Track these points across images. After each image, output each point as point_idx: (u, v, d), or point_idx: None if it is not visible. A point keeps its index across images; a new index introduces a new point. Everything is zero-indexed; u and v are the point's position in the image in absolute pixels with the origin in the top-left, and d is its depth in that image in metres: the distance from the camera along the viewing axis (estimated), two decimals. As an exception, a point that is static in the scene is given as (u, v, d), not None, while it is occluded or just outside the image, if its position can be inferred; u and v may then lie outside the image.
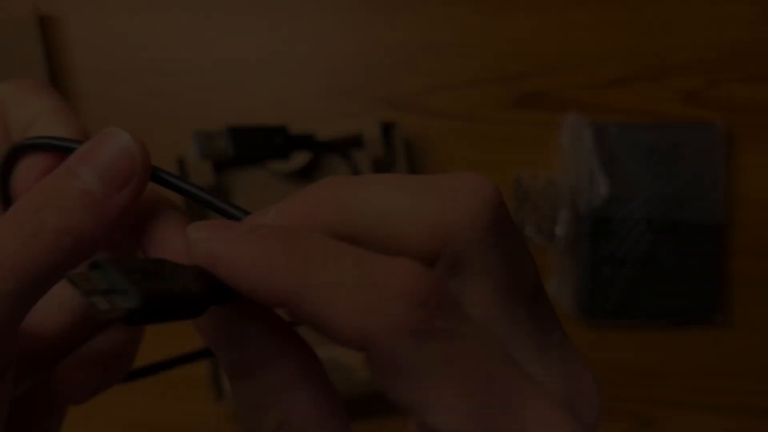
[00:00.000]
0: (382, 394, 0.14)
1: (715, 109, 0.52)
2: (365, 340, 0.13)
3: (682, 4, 0.53)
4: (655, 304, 0.51)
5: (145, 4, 0.53)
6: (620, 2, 0.53)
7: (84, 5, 0.53)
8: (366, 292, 0.13)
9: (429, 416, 0.13)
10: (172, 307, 0.14)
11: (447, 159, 0.53)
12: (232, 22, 0.53)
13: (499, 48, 0.53)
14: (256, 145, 0.42)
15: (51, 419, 0.22)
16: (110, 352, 0.20)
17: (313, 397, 0.15)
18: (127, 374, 0.20)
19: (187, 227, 0.15)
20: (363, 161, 0.50)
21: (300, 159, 0.48)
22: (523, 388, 0.14)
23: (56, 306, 0.20)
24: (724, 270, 0.52)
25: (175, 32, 0.53)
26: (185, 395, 0.53)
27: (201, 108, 0.53)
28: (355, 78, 0.53)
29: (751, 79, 0.52)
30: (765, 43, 0.52)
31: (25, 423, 0.20)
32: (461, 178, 0.14)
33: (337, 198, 0.15)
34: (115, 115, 0.53)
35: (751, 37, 0.52)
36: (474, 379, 0.13)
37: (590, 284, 0.51)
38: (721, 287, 0.52)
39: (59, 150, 0.18)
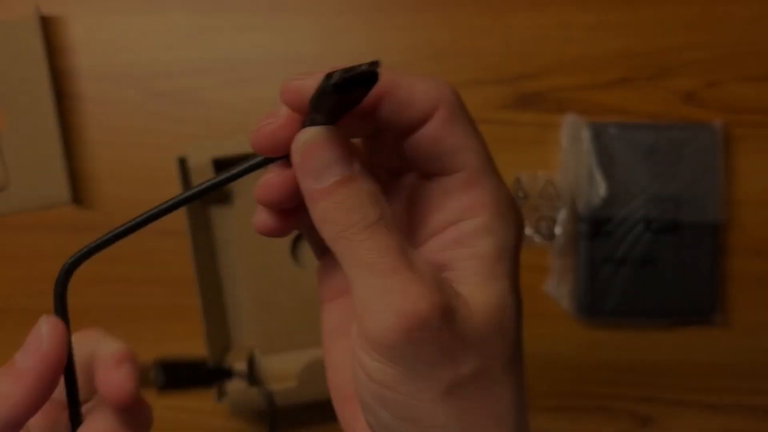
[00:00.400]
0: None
1: (713, 110, 0.53)
2: (439, 104, 0.21)
3: (681, 4, 0.53)
4: (654, 304, 0.51)
5: (147, 4, 0.53)
6: (619, 3, 0.53)
7: (85, 6, 0.53)
8: (436, 83, 0.21)
9: (466, 155, 0.21)
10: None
11: (447, 159, 0.53)
12: (233, 23, 0.53)
13: (499, 48, 0.53)
14: (182, 377, 0.49)
15: None
16: None
17: (390, 210, 0.22)
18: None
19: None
20: (363, 161, 0.51)
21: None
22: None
23: None
24: (722, 270, 0.53)
25: (176, 33, 0.53)
26: (186, 395, 0.53)
27: (202, 109, 0.53)
28: (356, 78, 0.53)
29: (750, 79, 0.53)
30: (763, 44, 0.53)
31: None
32: (435, 79, 0.22)
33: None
34: (116, 115, 0.53)
35: (749, 37, 0.53)
36: (484, 142, 0.22)
37: (589, 284, 0.51)
38: (720, 287, 0.52)
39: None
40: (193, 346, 0.53)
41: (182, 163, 0.49)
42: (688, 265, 0.51)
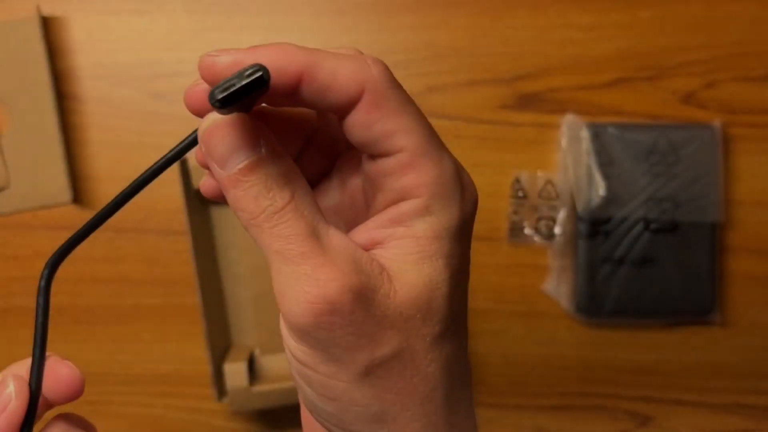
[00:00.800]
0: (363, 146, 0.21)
1: (712, 110, 0.53)
2: (364, 86, 0.20)
3: (680, 5, 0.53)
4: (653, 304, 0.51)
5: (147, 5, 0.53)
6: (618, 4, 0.53)
7: (86, 6, 0.53)
8: (359, 61, 0.21)
9: (401, 138, 0.21)
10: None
11: (446, 159, 0.53)
12: (233, 23, 0.53)
13: (499, 49, 0.53)
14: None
15: None
16: None
17: (307, 188, 0.21)
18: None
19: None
20: (363, 161, 0.51)
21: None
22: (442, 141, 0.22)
23: None
24: (720, 270, 0.53)
25: (176, 33, 0.53)
26: (186, 395, 0.54)
27: (202, 108, 0.53)
28: (355, 79, 0.53)
29: (748, 79, 0.53)
30: (762, 44, 0.53)
31: None
32: (359, 58, 0.21)
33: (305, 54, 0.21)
34: (116, 115, 0.53)
35: (748, 38, 0.53)
36: (423, 118, 0.22)
37: (588, 284, 0.51)
38: (718, 287, 0.52)
39: None
40: (193, 345, 0.53)
41: (182, 163, 0.49)
42: (687, 264, 0.51)
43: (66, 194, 0.51)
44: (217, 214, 0.52)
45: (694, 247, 0.51)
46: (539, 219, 0.53)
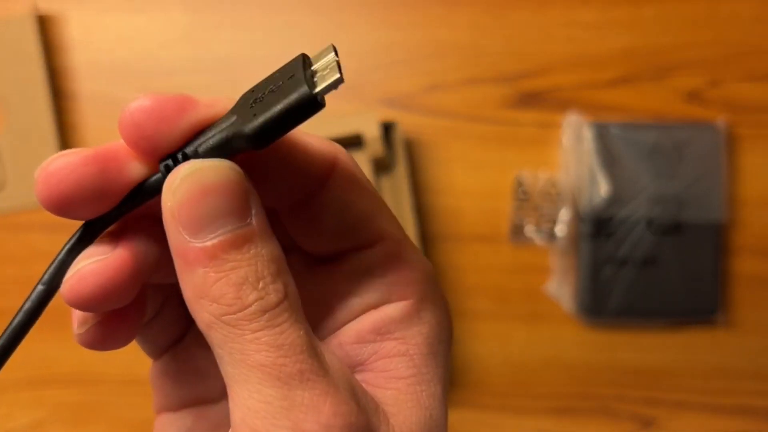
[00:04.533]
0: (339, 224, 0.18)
1: (716, 109, 0.52)
2: (336, 157, 0.17)
3: (685, 3, 0.53)
4: (656, 305, 0.51)
5: (144, 2, 0.53)
6: (622, 1, 0.52)
7: (82, 4, 0.53)
8: (325, 139, 0.18)
9: (383, 222, 0.17)
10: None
11: (447, 159, 0.53)
12: (231, 21, 0.53)
13: (500, 47, 0.52)
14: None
15: None
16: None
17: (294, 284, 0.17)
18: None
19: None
20: (363, 161, 0.50)
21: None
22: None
23: None
24: (725, 270, 0.52)
25: (173, 31, 0.53)
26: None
27: (200, 107, 0.53)
28: (356, 78, 0.53)
29: (753, 78, 0.52)
30: (766, 43, 0.52)
31: None
32: (333, 144, 0.18)
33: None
34: (113, 114, 0.53)
35: (753, 36, 0.52)
36: (378, 197, 0.18)
37: (591, 284, 0.51)
38: (722, 287, 0.52)
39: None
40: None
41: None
42: (691, 265, 0.51)
43: (62, 194, 0.51)
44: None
45: (698, 247, 0.51)
46: (541, 219, 0.52)
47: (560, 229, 0.52)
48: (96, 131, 0.53)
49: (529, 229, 0.53)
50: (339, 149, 0.17)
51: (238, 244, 0.15)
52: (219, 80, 0.53)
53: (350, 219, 0.17)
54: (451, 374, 0.19)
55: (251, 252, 0.15)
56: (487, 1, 0.52)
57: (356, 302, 0.17)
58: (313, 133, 0.18)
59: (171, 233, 0.15)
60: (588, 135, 0.51)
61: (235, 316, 0.15)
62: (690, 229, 0.51)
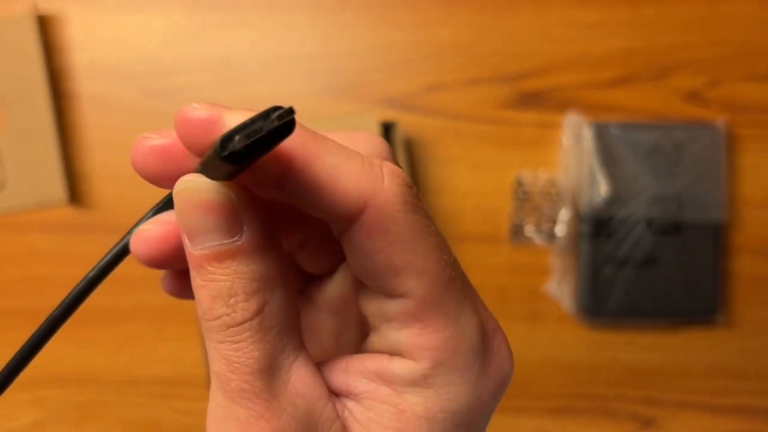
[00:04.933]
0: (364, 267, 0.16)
1: (716, 109, 0.52)
2: (368, 201, 0.15)
3: (684, 3, 0.53)
4: (656, 304, 0.51)
5: (144, 3, 0.53)
6: (622, 1, 0.52)
7: (82, 4, 0.53)
8: (370, 168, 0.16)
9: (409, 279, 0.16)
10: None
11: (447, 158, 0.53)
12: (231, 21, 0.53)
13: (500, 47, 0.53)
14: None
15: None
16: None
17: (288, 295, 0.17)
18: None
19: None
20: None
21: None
22: (471, 287, 0.17)
23: None
24: (724, 270, 0.52)
25: (174, 31, 0.53)
26: (184, 396, 0.53)
27: (200, 107, 0.53)
28: (355, 78, 0.53)
29: (753, 78, 0.52)
30: (766, 43, 0.52)
31: None
32: (369, 161, 0.16)
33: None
34: (113, 114, 0.53)
35: (753, 36, 0.52)
36: (444, 256, 0.16)
37: (591, 284, 0.51)
38: (722, 287, 0.52)
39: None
40: (192, 346, 0.53)
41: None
42: (691, 265, 0.51)
43: (62, 193, 0.51)
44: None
45: (697, 247, 0.51)
46: (541, 219, 0.53)
47: (560, 229, 0.52)
48: (96, 131, 0.53)
49: (529, 229, 0.53)
50: (378, 189, 0.15)
51: (220, 258, 0.16)
52: (219, 80, 0.53)
53: (371, 267, 0.16)
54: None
55: (231, 268, 0.16)
56: (487, 1, 0.53)
57: (373, 340, 0.17)
58: (361, 157, 0.16)
59: (182, 236, 0.16)
60: (588, 135, 0.51)
61: (206, 323, 0.16)
62: (690, 229, 0.51)
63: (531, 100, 0.52)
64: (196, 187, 0.16)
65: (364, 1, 0.53)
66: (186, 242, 0.16)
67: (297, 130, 0.15)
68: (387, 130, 0.50)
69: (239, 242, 0.16)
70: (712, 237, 0.51)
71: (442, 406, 0.16)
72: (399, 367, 0.16)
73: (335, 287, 0.20)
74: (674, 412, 0.53)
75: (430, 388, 0.16)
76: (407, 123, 0.52)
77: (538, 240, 0.53)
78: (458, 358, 0.16)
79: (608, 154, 0.51)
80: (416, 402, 0.16)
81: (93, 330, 0.53)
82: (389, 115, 0.52)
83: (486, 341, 0.17)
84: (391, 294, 0.16)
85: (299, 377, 0.16)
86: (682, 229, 0.51)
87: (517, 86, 0.52)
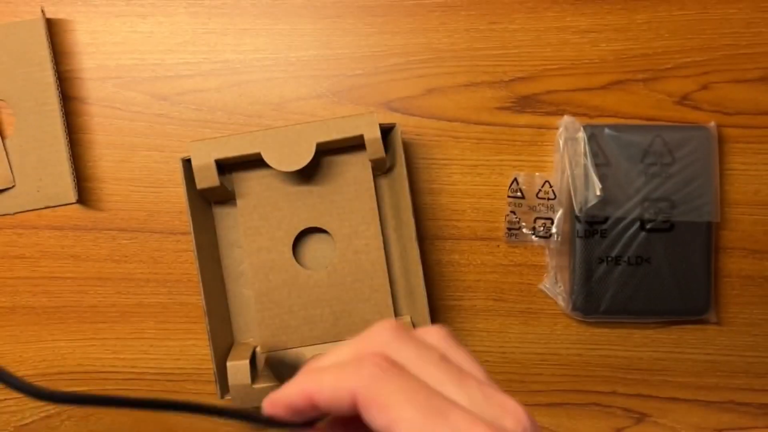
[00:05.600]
0: None
1: (707, 112, 0.53)
2: (356, 391, 0.22)
3: (675, 8, 0.53)
4: (649, 303, 0.52)
5: (151, 8, 0.54)
6: (614, 7, 0.53)
7: (90, 9, 0.54)
8: (351, 371, 0.22)
9: (396, 428, 0.21)
10: None
11: (445, 160, 0.53)
12: (234, 25, 0.54)
13: (496, 51, 0.53)
14: None
15: None
16: None
17: None
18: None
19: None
20: (363, 163, 0.51)
21: (302, 159, 0.48)
22: (451, 406, 0.21)
23: None
24: (715, 269, 0.53)
25: (180, 36, 0.54)
26: (188, 392, 0.54)
27: (205, 110, 0.53)
28: (355, 80, 0.53)
29: (743, 81, 0.53)
30: (756, 46, 0.53)
31: None
32: (351, 366, 0.23)
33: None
34: (120, 117, 0.54)
35: (743, 40, 0.53)
36: (419, 401, 0.21)
37: (585, 283, 0.52)
38: (713, 286, 0.52)
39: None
40: (196, 343, 0.54)
41: (186, 163, 0.49)
42: (683, 264, 0.52)
43: (70, 195, 0.52)
44: (220, 214, 0.53)
45: (689, 246, 0.52)
46: (537, 219, 0.53)
47: (555, 229, 0.53)
48: (104, 133, 0.54)
49: (525, 229, 0.53)
50: (358, 381, 0.22)
51: None
52: (224, 84, 0.54)
53: (377, 430, 0.21)
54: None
55: None
56: (484, 7, 0.53)
57: None
58: (347, 363, 0.23)
59: None
60: (582, 137, 0.51)
61: None
62: (681, 228, 0.51)
63: (527, 103, 0.53)
64: None
65: (365, 8, 0.53)
66: None
67: (304, 382, 0.23)
68: (387, 132, 0.50)
69: None
70: (704, 237, 0.52)
71: None
72: None
73: None
74: (666, 408, 0.54)
75: None
76: (406, 125, 0.53)
77: (534, 239, 0.53)
78: None
79: (602, 156, 0.51)
80: None
81: (98, 328, 0.54)
82: (389, 117, 0.53)
83: None
84: None
85: None
86: (675, 229, 0.52)
87: (513, 90, 0.53)
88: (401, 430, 0.21)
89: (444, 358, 0.24)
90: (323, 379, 0.23)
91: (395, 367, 0.22)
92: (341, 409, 0.22)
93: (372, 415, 0.21)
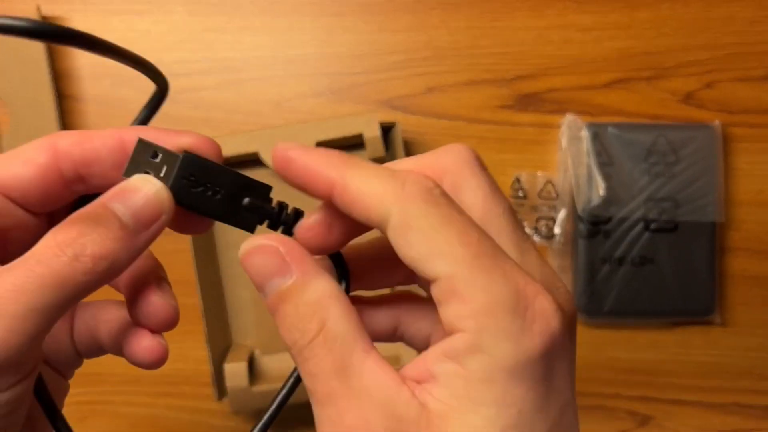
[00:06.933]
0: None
1: (711, 110, 0.53)
2: (390, 208, 0.19)
3: (679, 6, 0.53)
4: (652, 304, 0.52)
5: (148, 5, 0.53)
6: (617, 4, 0.53)
7: (87, 6, 0.53)
8: (392, 182, 0.19)
9: (437, 263, 0.18)
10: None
11: (446, 159, 0.53)
12: (233, 23, 0.53)
13: (499, 49, 0.53)
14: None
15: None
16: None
17: (344, 311, 0.20)
18: None
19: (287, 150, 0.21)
20: (363, 162, 0.51)
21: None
22: (507, 258, 0.19)
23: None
24: (720, 270, 0.53)
25: (177, 34, 0.53)
26: (186, 394, 0.54)
27: (203, 109, 0.53)
28: (355, 79, 0.53)
29: (747, 80, 0.53)
30: (761, 45, 0.53)
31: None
32: (394, 176, 0.20)
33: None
34: (117, 116, 0.53)
35: (747, 38, 0.53)
36: (470, 240, 0.19)
37: (588, 284, 0.51)
38: (718, 287, 0.52)
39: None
40: (193, 345, 0.53)
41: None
42: (687, 264, 0.51)
43: (66, 194, 0.52)
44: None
45: (693, 247, 0.51)
46: (539, 219, 0.53)
47: (558, 229, 0.53)
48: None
49: (528, 229, 0.53)
50: (399, 196, 0.19)
51: (282, 299, 0.20)
52: (223, 83, 0.53)
53: (410, 260, 0.19)
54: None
55: (292, 303, 0.20)
56: (485, 5, 0.53)
57: (439, 327, 0.20)
58: (383, 175, 0.20)
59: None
60: (585, 136, 0.51)
61: (291, 352, 0.20)
62: (686, 228, 0.51)
63: (529, 101, 0.53)
64: (254, 239, 0.21)
65: (366, 5, 0.53)
66: (261, 295, 0.20)
67: (329, 167, 0.20)
68: (387, 130, 0.50)
69: (291, 281, 0.20)
70: (708, 237, 0.52)
71: (497, 366, 0.18)
72: (455, 340, 0.19)
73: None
74: (670, 410, 0.54)
75: (483, 352, 0.18)
76: (407, 124, 0.53)
77: (536, 239, 0.53)
78: (497, 319, 0.18)
79: (605, 155, 0.51)
80: (476, 368, 0.18)
81: (96, 329, 0.54)
82: (389, 116, 0.53)
83: (523, 302, 0.18)
84: (431, 280, 0.19)
85: (372, 373, 0.19)
86: (679, 229, 0.51)
87: (515, 88, 0.53)
88: (444, 264, 0.18)
89: (511, 211, 0.21)
90: (357, 175, 0.19)
91: (447, 197, 0.19)
92: (362, 220, 0.20)
93: (406, 241, 0.19)
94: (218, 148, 0.23)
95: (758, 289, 0.53)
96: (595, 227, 0.51)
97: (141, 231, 0.21)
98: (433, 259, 0.18)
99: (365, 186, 0.19)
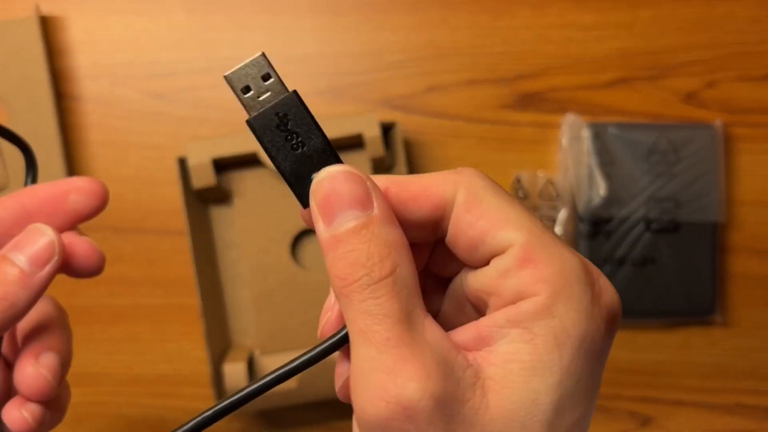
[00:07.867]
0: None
1: (713, 110, 0.53)
2: (455, 187, 0.20)
3: (681, 4, 0.53)
4: (654, 304, 0.52)
5: (146, 4, 0.53)
6: (619, 3, 0.53)
7: (85, 6, 0.53)
8: (448, 172, 0.20)
9: (510, 231, 0.19)
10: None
11: (446, 159, 0.53)
12: (232, 22, 0.53)
13: (499, 48, 0.53)
14: None
15: None
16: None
17: (412, 265, 0.19)
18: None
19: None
20: (363, 162, 0.51)
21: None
22: (561, 240, 0.20)
23: None
24: (721, 270, 0.53)
25: (175, 33, 0.53)
26: (185, 395, 0.54)
27: (202, 108, 0.53)
28: (355, 78, 0.53)
29: (749, 79, 0.53)
30: (763, 44, 0.53)
31: None
32: (450, 171, 0.21)
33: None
34: (115, 115, 0.53)
35: (749, 37, 0.53)
36: (530, 213, 0.20)
37: (589, 284, 0.51)
38: (719, 287, 0.52)
39: None
40: (192, 346, 0.53)
41: (182, 162, 0.49)
42: (688, 264, 0.51)
43: (65, 194, 0.51)
44: (217, 214, 0.52)
45: (695, 247, 0.51)
46: (540, 219, 0.53)
47: (558, 229, 0.53)
48: (99, 132, 0.53)
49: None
50: (460, 178, 0.20)
51: (358, 231, 0.19)
52: (220, 81, 0.53)
53: (478, 232, 0.19)
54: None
55: (367, 237, 0.19)
56: (486, 4, 0.53)
57: (495, 301, 0.19)
58: (435, 175, 0.20)
59: (316, 226, 0.20)
60: (586, 135, 0.51)
61: (347, 288, 0.19)
62: (687, 229, 0.51)
63: (530, 100, 0.53)
64: (335, 169, 0.20)
65: (365, 4, 0.53)
66: (321, 230, 0.19)
67: (370, 179, 0.20)
68: (387, 130, 0.50)
69: (373, 214, 0.19)
70: (710, 237, 0.51)
71: (567, 331, 0.18)
72: (525, 305, 0.18)
73: (457, 284, 0.23)
74: (672, 411, 0.54)
75: (554, 317, 0.18)
76: (407, 123, 0.53)
77: (537, 240, 0.53)
78: (571, 287, 0.18)
79: (606, 155, 0.51)
80: (545, 333, 0.18)
81: (92, 330, 0.53)
82: (389, 115, 0.53)
83: (591, 276, 0.19)
84: (499, 249, 0.19)
85: (431, 331, 0.19)
86: (680, 229, 0.51)
87: (515, 87, 0.53)
88: (517, 232, 0.19)
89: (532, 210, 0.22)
90: (407, 177, 0.20)
91: (497, 186, 0.20)
92: (428, 207, 0.20)
93: (479, 211, 0.19)
94: (103, 191, 0.25)
95: (760, 289, 0.53)
96: (595, 227, 0.51)
97: (36, 272, 0.23)
98: (508, 227, 0.19)
99: (424, 178, 0.20)
